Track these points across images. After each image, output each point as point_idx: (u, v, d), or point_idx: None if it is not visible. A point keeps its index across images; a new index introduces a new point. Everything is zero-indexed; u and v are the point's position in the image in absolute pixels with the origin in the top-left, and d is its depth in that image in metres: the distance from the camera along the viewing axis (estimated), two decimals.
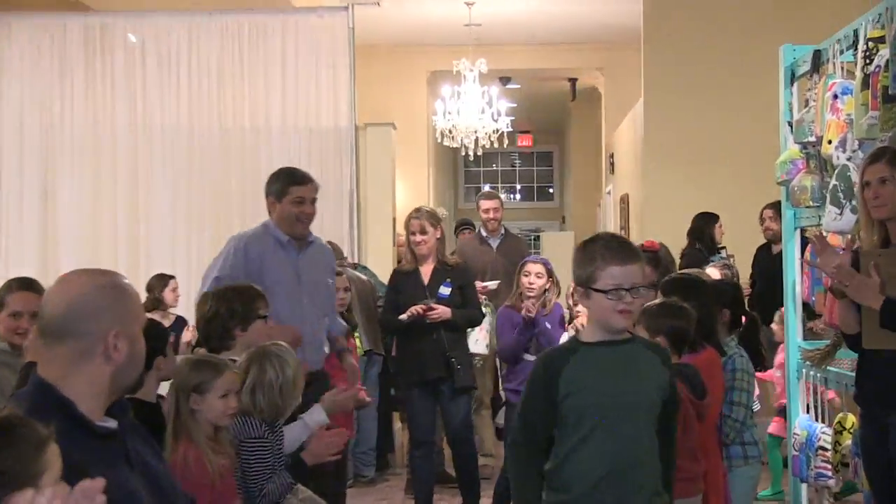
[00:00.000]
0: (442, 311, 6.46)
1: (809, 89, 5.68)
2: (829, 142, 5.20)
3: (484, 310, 7.15)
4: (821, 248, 4.22)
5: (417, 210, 6.74)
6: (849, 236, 4.98)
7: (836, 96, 5.21)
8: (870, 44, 4.79)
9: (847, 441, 5.06)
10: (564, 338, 6.10)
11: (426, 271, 6.61)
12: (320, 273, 5.49)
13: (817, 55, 5.64)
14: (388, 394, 8.10)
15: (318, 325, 5.41)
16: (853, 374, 4.39)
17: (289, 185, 5.31)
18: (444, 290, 6.56)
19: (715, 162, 10.31)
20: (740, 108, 10.06)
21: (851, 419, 5.08)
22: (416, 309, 6.44)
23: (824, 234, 5.19)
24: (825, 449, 5.31)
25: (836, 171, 5.08)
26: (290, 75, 8.54)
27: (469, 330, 7.14)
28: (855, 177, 4.73)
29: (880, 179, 4.06)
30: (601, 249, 3.20)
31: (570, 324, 6.30)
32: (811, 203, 5.57)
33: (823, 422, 5.54)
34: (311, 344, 5.18)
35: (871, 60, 4.75)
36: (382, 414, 8.10)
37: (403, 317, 6.50)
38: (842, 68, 5.39)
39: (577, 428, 3.21)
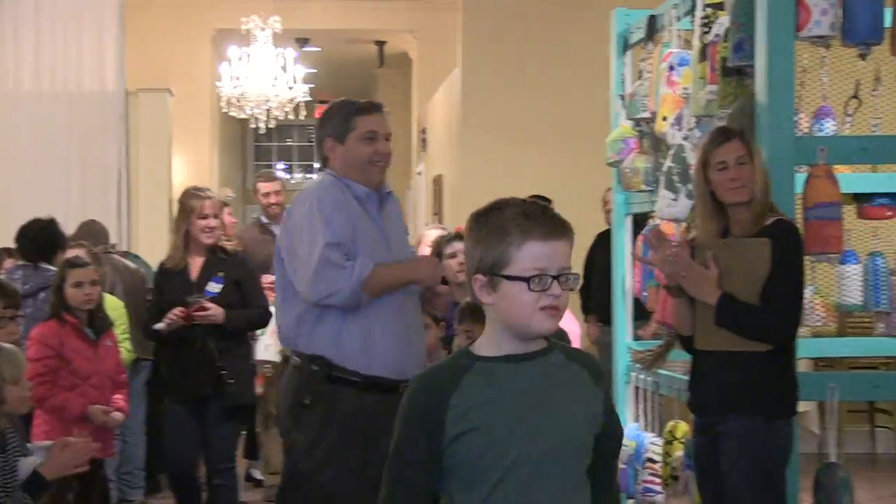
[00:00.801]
0: (213, 311, 6.12)
1: (643, 59, 5.80)
2: (664, 118, 5.33)
3: (272, 309, 7.01)
4: (657, 244, 4.33)
5: (198, 188, 6.58)
6: (684, 224, 5.12)
7: (671, 68, 5.33)
8: (708, 10, 4.93)
9: (678, 452, 5.21)
10: None
11: (196, 265, 6.28)
12: (402, 232, 4.81)
13: (653, 21, 5.76)
14: (160, 405, 7.93)
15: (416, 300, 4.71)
16: (687, 377, 4.53)
17: (351, 115, 4.51)
18: (214, 287, 6.21)
19: (541, 139, 10.46)
20: (570, 79, 10.24)
21: (683, 428, 5.24)
22: (175, 313, 6.09)
23: (658, 221, 5.34)
24: (654, 461, 5.45)
25: (671, 152, 5.21)
26: (45, 31, 8.28)
27: (259, 333, 7.02)
28: (692, 158, 4.87)
29: (738, 160, 4.18)
30: (514, 219, 2.50)
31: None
32: (644, 187, 5.71)
33: (654, 431, 5.70)
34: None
35: (710, 29, 4.90)
36: (152, 429, 7.94)
37: (160, 325, 6.14)
38: (679, 37, 5.52)
39: (473, 483, 2.52)
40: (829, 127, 5.87)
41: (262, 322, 6.52)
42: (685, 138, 5.14)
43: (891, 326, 5.02)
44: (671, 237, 4.68)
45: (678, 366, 5.17)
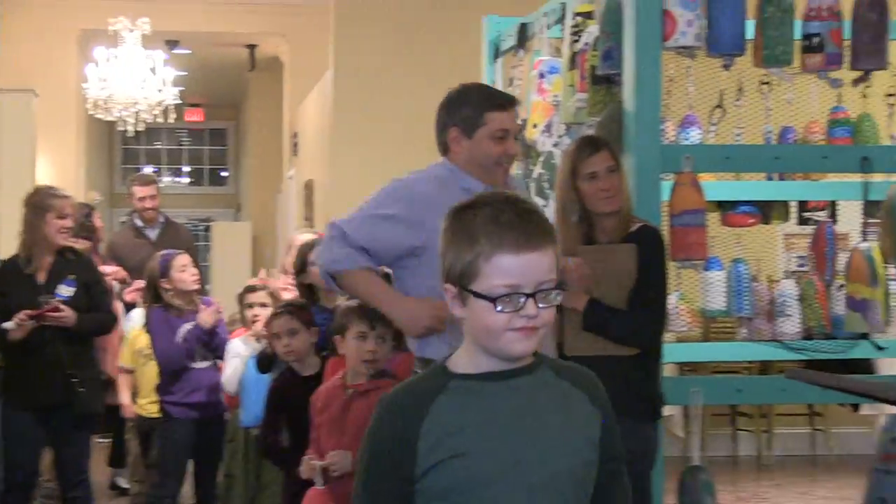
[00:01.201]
0: (66, 314, 5.87)
1: (514, 66, 5.87)
2: (535, 126, 5.40)
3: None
4: None
5: (52, 187, 6.42)
6: (559, 230, 5.19)
7: (542, 75, 5.41)
8: (578, 19, 5.01)
9: None
10: (241, 349, 6.05)
11: (43, 266, 6.04)
12: None
13: (524, 29, 5.83)
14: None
15: None
16: None
17: (485, 109, 4.08)
18: (65, 290, 5.97)
19: (414, 144, 10.37)
20: (442, 85, 10.21)
21: None
22: (25, 314, 5.79)
23: None
24: None
25: (541, 159, 5.27)
26: None
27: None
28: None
29: (607, 169, 4.24)
30: (484, 225, 2.17)
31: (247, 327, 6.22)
32: None
33: None
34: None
35: (580, 37, 4.97)
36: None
37: (9, 324, 5.80)
38: (549, 45, 5.60)
39: None
40: (694, 135, 6.00)
41: (109, 328, 6.32)
42: (555, 145, 5.21)
43: (753, 331, 5.15)
44: None
45: None
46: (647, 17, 4.41)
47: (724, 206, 5.78)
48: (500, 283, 2.15)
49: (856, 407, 8.61)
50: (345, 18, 10.87)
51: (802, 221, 6.21)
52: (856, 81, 4.87)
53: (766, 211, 6.01)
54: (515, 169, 5.74)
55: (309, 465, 4.33)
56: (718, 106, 6.24)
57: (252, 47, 16.07)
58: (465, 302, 2.20)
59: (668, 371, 5.53)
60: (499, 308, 2.15)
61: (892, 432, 3.06)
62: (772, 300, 5.54)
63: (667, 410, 4.84)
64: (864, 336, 5.52)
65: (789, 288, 5.66)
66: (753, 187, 5.85)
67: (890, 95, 5.88)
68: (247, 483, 6.13)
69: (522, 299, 2.15)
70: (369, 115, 10.63)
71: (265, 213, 17.33)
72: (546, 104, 5.34)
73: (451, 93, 4.19)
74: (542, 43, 5.58)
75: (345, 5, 10.87)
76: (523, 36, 5.82)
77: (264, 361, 5.57)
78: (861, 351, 5.77)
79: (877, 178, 4.67)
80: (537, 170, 5.25)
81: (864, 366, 7.28)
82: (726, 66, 4.66)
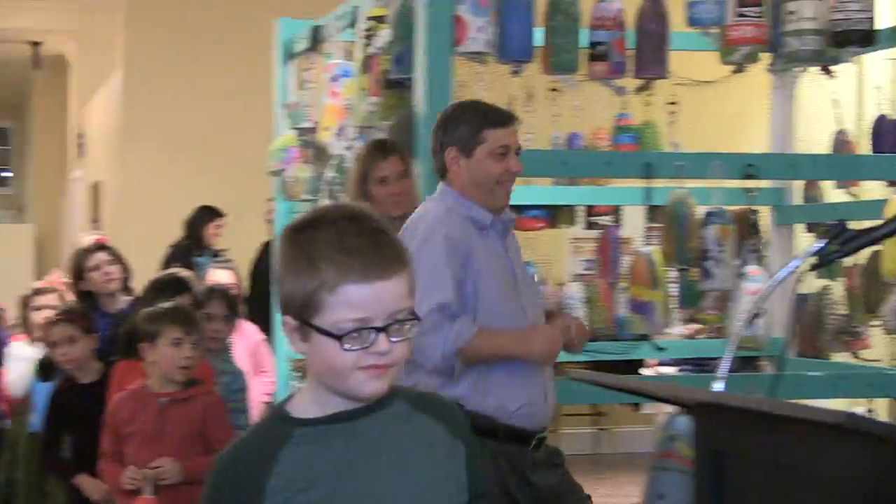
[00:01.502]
0: None
1: (307, 69, 5.86)
2: (327, 129, 5.40)
3: None
4: None
5: None
6: None
7: (334, 79, 5.41)
8: (370, 23, 5.02)
9: None
10: (26, 352, 5.87)
11: None
12: (525, 268, 4.16)
13: (316, 31, 5.82)
14: None
15: None
16: None
17: (483, 127, 3.87)
18: None
19: (206, 147, 10.34)
20: (234, 87, 10.17)
21: None
22: None
23: None
24: None
25: (333, 162, 5.28)
26: None
27: None
28: None
29: (398, 174, 4.27)
30: (327, 251, 1.89)
31: None
32: (307, 196, 5.76)
33: None
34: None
35: (372, 41, 4.99)
36: None
37: None
38: (342, 48, 5.61)
39: None
40: None
41: None
42: (347, 149, 5.21)
43: None
44: None
45: None
46: (438, 22, 4.45)
47: (513, 210, 5.87)
48: (347, 317, 1.87)
49: (637, 406, 8.87)
50: (135, 18, 10.66)
51: (589, 226, 6.37)
52: (639, 89, 5.01)
53: (554, 215, 6.15)
54: (307, 172, 5.73)
55: (135, 475, 4.18)
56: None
57: (37, 45, 15.61)
58: (307, 337, 1.91)
59: None
60: (346, 346, 1.87)
61: (669, 431, 3.17)
62: (559, 303, 5.67)
63: None
64: (645, 337, 5.70)
65: (576, 290, 5.80)
66: (542, 192, 5.97)
67: (671, 103, 6.08)
68: (29, 490, 5.94)
69: (373, 335, 1.87)
70: (160, 117, 10.45)
71: (50, 215, 16.87)
72: (338, 108, 5.34)
73: (447, 111, 3.96)
74: (335, 46, 5.59)
75: (135, 5, 10.66)
76: (316, 39, 5.81)
77: (45, 369, 5.41)
78: (642, 352, 5.96)
79: (658, 183, 4.82)
80: (329, 173, 5.24)
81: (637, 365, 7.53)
82: (515, 73, 4.74)
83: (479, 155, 3.84)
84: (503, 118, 3.90)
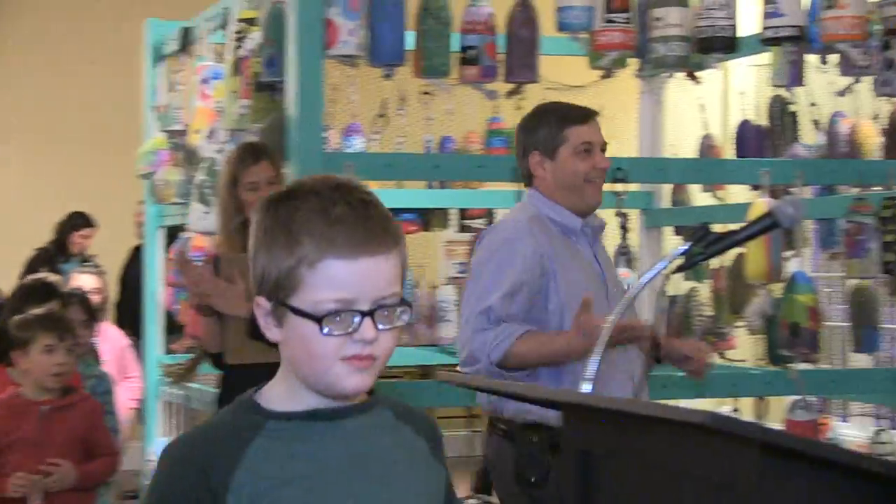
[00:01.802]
0: None
1: (177, 71, 5.79)
2: (197, 131, 5.35)
3: None
4: (182, 266, 4.33)
5: None
6: (218, 237, 5.14)
7: (205, 81, 5.37)
8: (241, 25, 4.98)
9: None
10: None
11: None
12: (610, 263, 3.95)
13: (186, 33, 5.76)
14: None
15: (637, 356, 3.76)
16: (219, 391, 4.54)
17: (564, 126, 3.69)
18: None
19: (73, 148, 10.15)
20: (104, 88, 10.00)
21: None
22: None
23: (191, 233, 5.33)
24: None
25: (203, 165, 5.22)
26: None
27: None
28: None
29: (268, 180, 4.22)
30: (309, 221, 1.67)
31: None
32: (177, 199, 5.69)
33: None
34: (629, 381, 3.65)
35: (243, 44, 4.95)
36: None
37: None
38: (213, 50, 5.55)
39: None
40: (357, 143, 6.07)
41: None
42: (218, 152, 5.17)
43: (413, 336, 5.26)
44: (201, 252, 4.68)
45: (209, 379, 5.17)
46: (309, 25, 4.42)
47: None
48: (327, 296, 1.64)
49: None
50: (4, 16, 10.42)
51: (462, 229, 6.40)
52: (510, 94, 5.04)
53: (428, 218, 6.16)
54: (177, 175, 5.66)
55: (23, 480, 4.07)
56: (381, 115, 6.35)
57: None
58: (282, 321, 1.69)
59: None
60: (325, 330, 1.64)
61: None
62: (433, 306, 5.68)
63: None
64: None
65: (449, 294, 5.81)
66: (415, 195, 5.98)
67: None
68: None
69: (357, 318, 1.65)
70: (27, 116, 10.22)
71: None
72: (209, 110, 5.30)
73: (526, 117, 3.79)
74: (206, 48, 5.53)
75: (2, 6, 10.42)
76: (186, 41, 5.75)
77: None
78: None
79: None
80: (200, 176, 5.19)
81: None
82: (387, 76, 4.73)
83: (563, 155, 3.67)
84: (583, 114, 3.73)
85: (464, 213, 6.32)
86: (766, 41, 4.58)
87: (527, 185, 3.76)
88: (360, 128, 6.10)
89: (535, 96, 5.67)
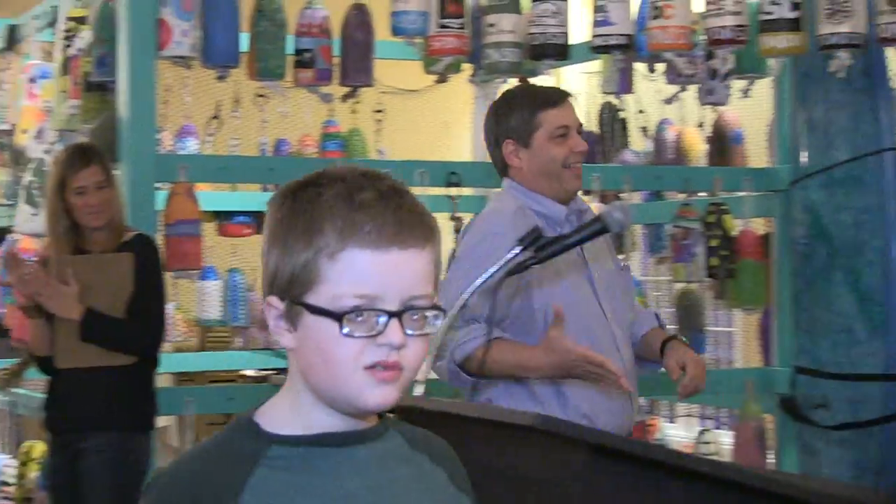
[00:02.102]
0: None
1: (3, 70, 5.67)
2: (25, 131, 5.25)
3: None
4: (13, 265, 4.23)
5: None
6: (47, 239, 5.03)
7: (33, 80, 5.28)
8: (71, 23, 4.88)
9: (34, 472, 5.11)
10: None
11: None
12: (608, 257, 3.59)
13: (13, 31, 5.64)
14: None
15: (631, 353, 3.52)
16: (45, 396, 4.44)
17: (537, 109, 3.43)
18: None
19: None
20: None
21: (40, 448, 5.13)
22: None
23: (18, 235, 5.21)
24: (8, 483, 5.32)
25: (31, 166, 5.12)
26: None
27: None
28: None
29: (96, 185, 4.14)
30: (333, 207, 1.43)
31: None
32: (4, 201, 5.56)
33: (9, 453, 5.53)
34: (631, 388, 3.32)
35: (73, 42, 4.85)
36: None
37: None
38: (41, 48, 5.44)
39: None
40: (191, 145, 5.99)
41: None
42: (46, 152, 5.08)
43: (247, 340, 5.21)
44: (31, 253, 4.57)
45: (36, 384, 5.05)
46: (141, 24, 4.35)
47: (220, 217, 5.81)
48: (349, 291, 1.40)
49: None
50: None
51: None
52: (345, 97, 5.04)
53: (262, 221, 6.10)
54: (4, 175, 5.51)
55: None
56: (215, 116, 6.28)
57: None
58: (296, 323, 1.43)
59: (164, 381, 5.48)
60: (345, 330, 1.40)
61: None
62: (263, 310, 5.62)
63: (162, 421, 4.81)
64: None
65: None
66: (249, 198, 5.92)
67: (377, 111, 6.14)
68: None
69: (382, 319, 1.40)
70: None
71: None
72: (37, 109, 5.20)
73: (496, 103, 3.53)
74: (33, 46, 5.41)
75: None
76: (13, 38, 5.62)
77: None
78: None
79: None
80: (28, 177, 5.08)
81: None
82: (221, 78, 4.68)
83: (539, 141, 3.43)
84: (556, 96, 3.49)
85: None
86: (595, 49, 4.66)
87: (502, 175, 3.52)
88: (194, 129, 6.02)
89: (370, 100, 5.69)
